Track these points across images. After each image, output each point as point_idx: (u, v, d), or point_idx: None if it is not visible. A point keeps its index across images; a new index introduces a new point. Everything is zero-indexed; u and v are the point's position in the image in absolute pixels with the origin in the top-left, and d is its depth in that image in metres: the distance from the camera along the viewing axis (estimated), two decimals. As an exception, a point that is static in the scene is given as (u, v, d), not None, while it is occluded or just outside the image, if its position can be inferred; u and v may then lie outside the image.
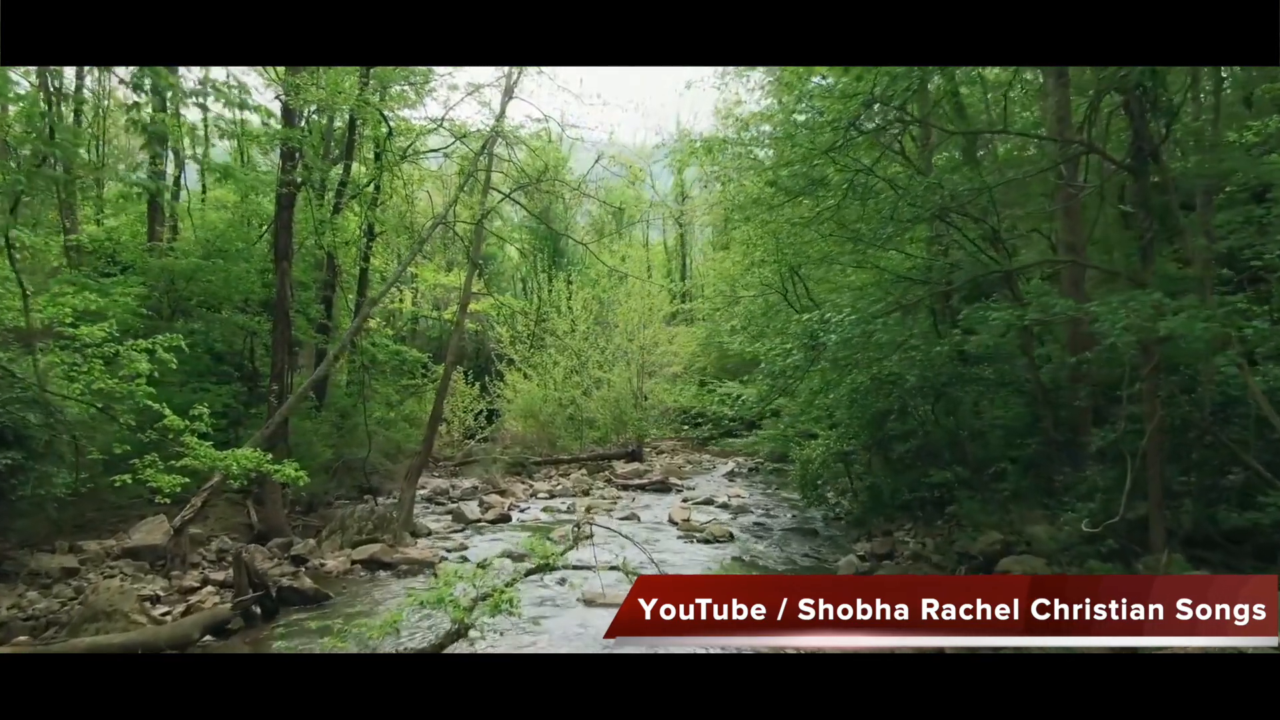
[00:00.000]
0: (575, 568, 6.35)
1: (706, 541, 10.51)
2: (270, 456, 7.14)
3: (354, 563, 9.03)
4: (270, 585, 7.22)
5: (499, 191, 13.04)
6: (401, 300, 30.15)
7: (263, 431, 10.08)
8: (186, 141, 16.60)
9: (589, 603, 6.98)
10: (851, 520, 10.52)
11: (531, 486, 16.90)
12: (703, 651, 3.35)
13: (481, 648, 5.22)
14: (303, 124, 12.74)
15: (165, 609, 7.56)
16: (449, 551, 10.20)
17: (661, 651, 3.30)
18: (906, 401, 7.78)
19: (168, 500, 7.07)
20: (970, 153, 7.44)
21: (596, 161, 12.93)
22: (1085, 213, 7.52)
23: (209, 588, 8.13)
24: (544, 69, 12.24)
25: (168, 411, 6.29)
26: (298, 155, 12.14)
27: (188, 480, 6.67)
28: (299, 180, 11.92)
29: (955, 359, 7.60)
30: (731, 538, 10.70)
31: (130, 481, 6.39)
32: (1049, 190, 7.58)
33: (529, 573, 5.45)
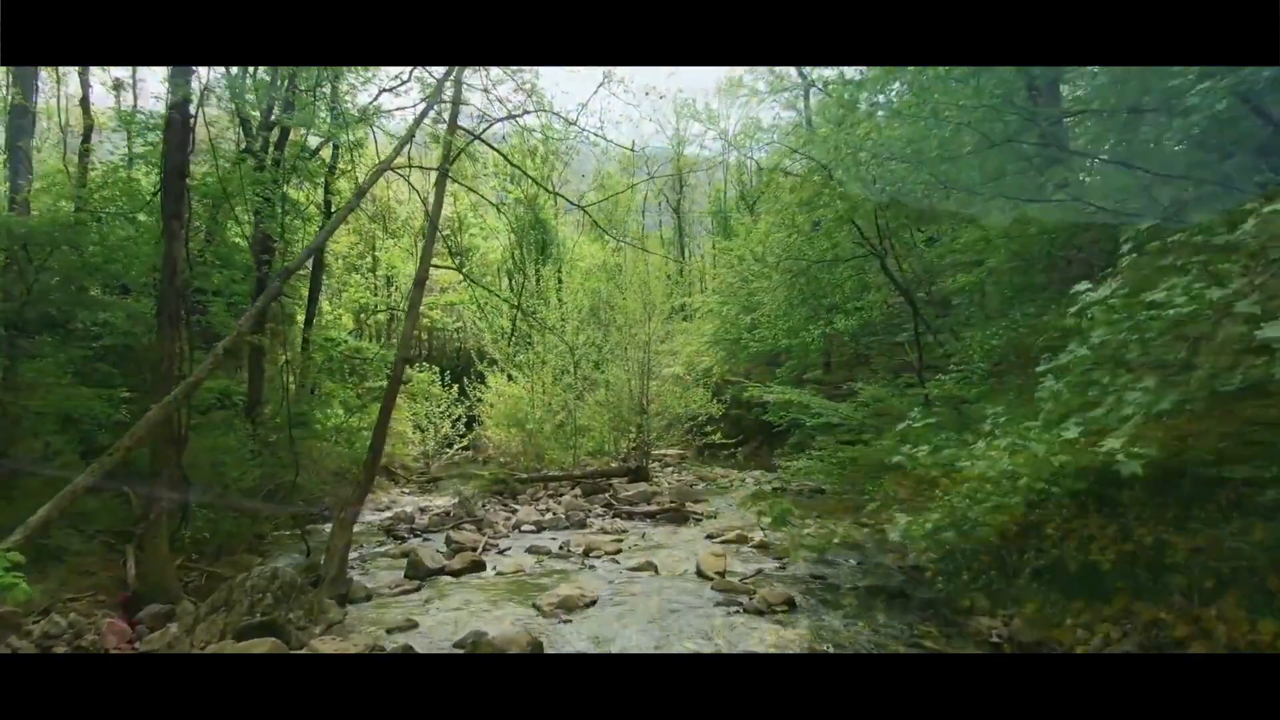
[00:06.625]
0: None
1: (760, 612, 7.32)
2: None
3: (229, 668, 5.78)
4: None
5: (468, 133, 9.84)
6: (376, 293, 27.07)
7: (111, 452, 6.81)
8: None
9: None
10: (944, 579, 7.32)
11: (514, 514, 13.68)
12: (701, 651, 3.03)
13: None
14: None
15: None
16: (389, 633, 6.96)
17: (660, 651, 3.23)
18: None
19: None
20: None
21: (600, 86, 9.80)
22: None
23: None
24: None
25: None
26: (193, 75, 8.95)
27: None
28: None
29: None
30: (792, 605, 7.54)
31: None
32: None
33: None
